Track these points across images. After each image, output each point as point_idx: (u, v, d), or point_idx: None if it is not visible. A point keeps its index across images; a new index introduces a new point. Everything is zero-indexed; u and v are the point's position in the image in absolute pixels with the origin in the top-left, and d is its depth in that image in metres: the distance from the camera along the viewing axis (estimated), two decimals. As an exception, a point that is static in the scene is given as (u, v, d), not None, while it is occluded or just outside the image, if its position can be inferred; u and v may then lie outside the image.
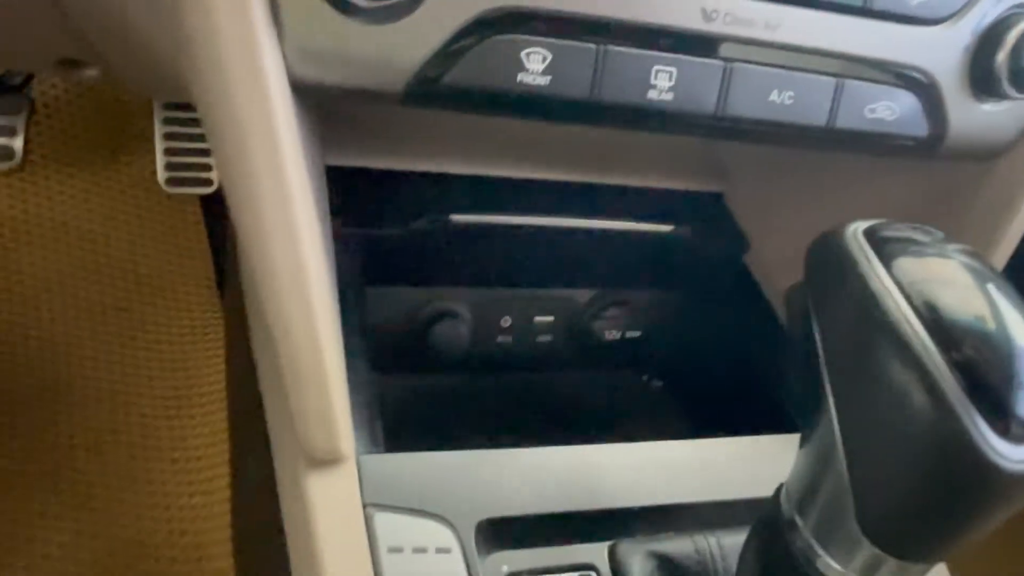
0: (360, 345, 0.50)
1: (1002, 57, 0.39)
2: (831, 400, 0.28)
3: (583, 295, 0.64)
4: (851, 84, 0.38)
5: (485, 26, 0.33)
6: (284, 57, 0.32)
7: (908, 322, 0.25)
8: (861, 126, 0.39)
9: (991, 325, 0.26)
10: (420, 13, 0.31)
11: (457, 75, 0.33)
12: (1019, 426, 0.24)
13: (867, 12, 0.37)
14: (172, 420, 1.10)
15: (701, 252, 0.63)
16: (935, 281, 0.27)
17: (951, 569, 0.45)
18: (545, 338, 0.65)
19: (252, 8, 0.30)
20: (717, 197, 0.66)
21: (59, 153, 1.05)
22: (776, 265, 0.61)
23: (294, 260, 0.33)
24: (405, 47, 0.32)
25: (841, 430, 0.28)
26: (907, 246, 0.28)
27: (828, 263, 0.29)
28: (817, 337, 0.29)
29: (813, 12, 0.36)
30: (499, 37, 0.33)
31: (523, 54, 0.33)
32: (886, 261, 0.27)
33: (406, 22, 0.32)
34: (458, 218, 0.54)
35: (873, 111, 0.39)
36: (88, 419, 1.08)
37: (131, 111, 1.14)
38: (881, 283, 0.26)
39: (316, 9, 0.31)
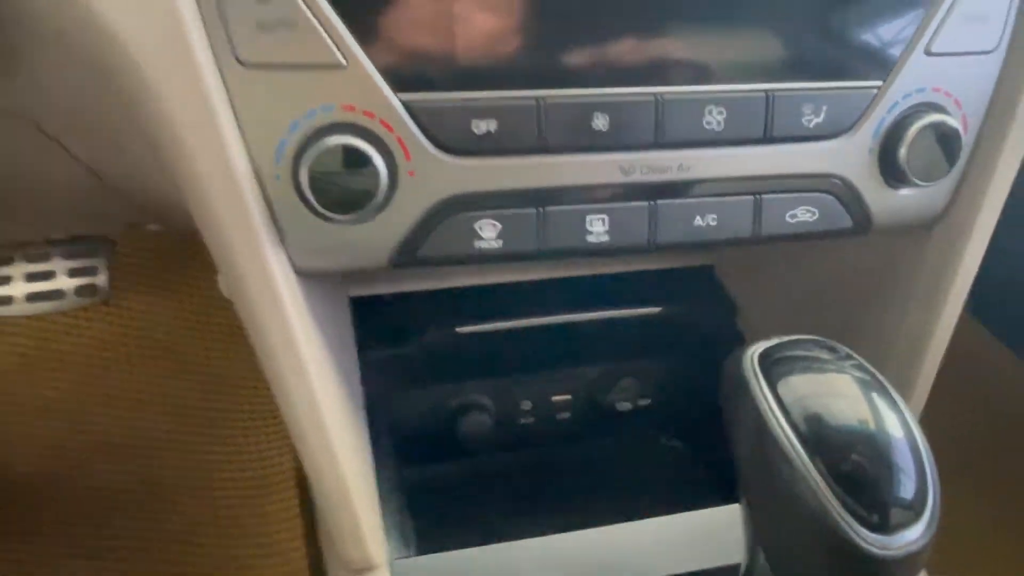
0: (391, 448, 0.58)
1: (904, 153, 0.44)
2: (744, 494, 0.34)
3: (595, 372, 0.71)
4: (768, 198, 0.44)
5: (443, 210, 0.40)
6: (287, 255, 0.41)
7: (789, 439, 0.31)
8: (785, 230, 0.45)
9: (863, 434, 0.31)
10: (389, 211, 0.39)
11: (427, 250, 0.41)
12: (887, 519, 0.29)
13: (770, 140, 0.43)
14: (254, 505, 1.21)
15: (696, 322, 0.68)
16: (816, 396, 0.32)
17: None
18: (564, 415, 0.71)
19: (256, 225, 0.39)
20: (708, 269, 0.72)
21: (140, 283, 1.20)
22: (765, 327, 0.66)
23: (314, 418, 0.42)
24: (381, 237, 0.41)
25: (753, 521, 0.33)
26: (798, 364, 0.34)
27: (732, 381, 0.34)
28: (732, 438, 0.35)
29: (721, 149, 0.42)
30: (456, 216, 0.41)
31: (476, 226, 0.41)
32: (774, 382, 0.32)
33: (379, 219, 0.40)
34: (463, 330, 0.62)
35: (794, 216, 0.45)
36: (180, 511, 1.20)
37: (196, 240, 1.28)
38: (768, 405, 0.32)
39: (307, 220, 0.39)
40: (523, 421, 0.70)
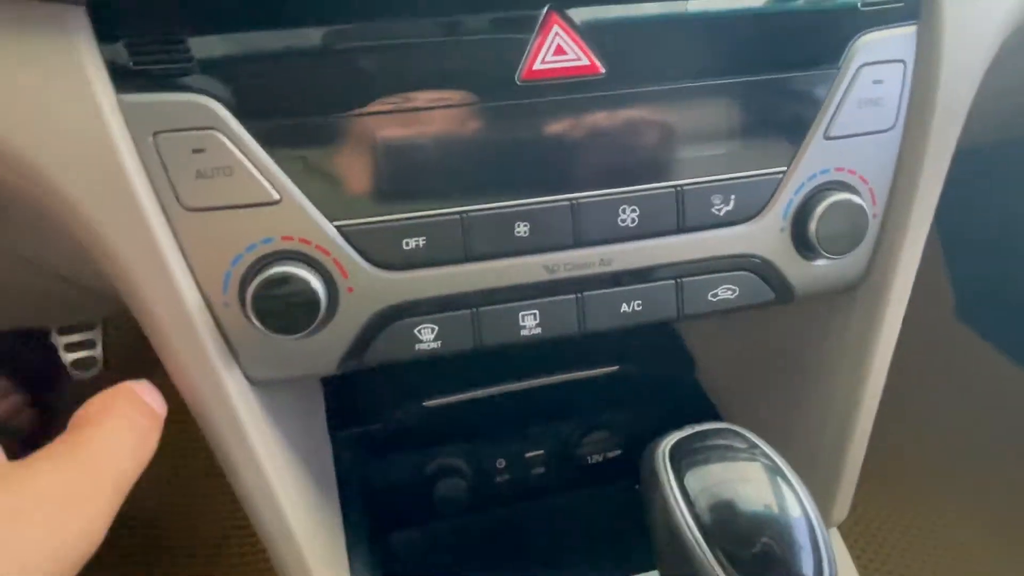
0: (365, 520, 0.60)
1: (814, 229, 0.47)
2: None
3: (565, 427, 0.73)
4: (689, 281, 0.47)
5: (383, 319, 0.44)
6: (241, 370, 0.44)
7: (692, 532, 0.33)
8: (708, 308, 0.48)
9: (762, 520, 0.34)
10: (333, 324, 0.43)
11: (372, 354, 0.45)
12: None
13: (684, 230, 0.46)
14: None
15: (659, 376, 0.71)
16: (720, 485, 0.35)
17: None
18: (539, 470, 0.74)
19: (209, 349, 0.42)
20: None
21: (131, 355, 1.24)
22: (721, 379, 0.68)
23: (279, 526, 0.45)
24: (328, 347, 0.44)
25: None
26: (704, 455, 0.36)
27: (647, 472, 0.37)
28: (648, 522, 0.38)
29: (638, 242, 0.45)
30: (395, 323, 0.44)
31: (416, 331, 0.44)
32: (682, 474, 0.35)
33: (325, 332, 0.43)
34: (431, 403, 0.65)
35: (716, 295, 0.48)
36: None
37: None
38: (675, 498, 0.35)
39: (258, 338, 0.42)
40: (498, 479, 0.73)
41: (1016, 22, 0.49)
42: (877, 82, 0.46)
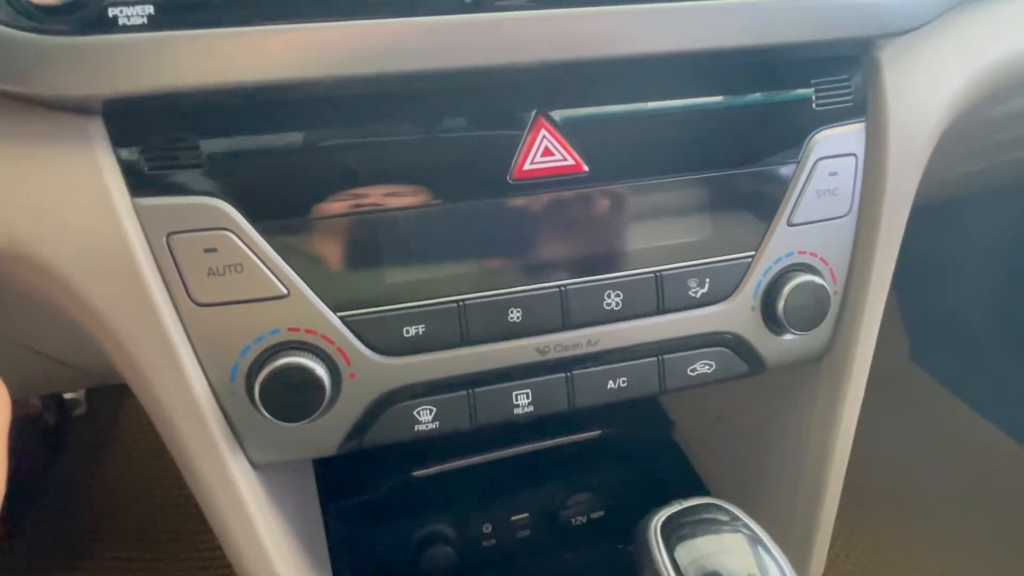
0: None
1: (781, 308, 0.51)
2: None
3: (549, 490, 0.75)
4: (670, 358, 0.50)
5: (383, 402, 0.46)
6: (245, 454, 0.45)
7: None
8: (688, 383, 0.51)
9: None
10: (336, 408, 0.45)
11: (372, 436, 0.47)
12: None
13: (663, 311, 0.49)
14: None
15: (639, 438, 0.74)
16: (708, 556, 0.38)
17: None
18: (524, 533, 0.75)
19: (215, 435, 0.44)
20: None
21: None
22: (700, 444, 0.72)
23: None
24: (330, 430, 0.46)
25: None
26: (693, 528, 0.39)
27: (640, 545, 0.40)
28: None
29: (622, 323, 0.49)
30: (395, 406, 0.46)
31: (415, 412, 0.47)
32: (673, 547, 0.38)
33: (328, 416, 0.45)
34: (420, 473, 0.66)
35: (694, 369, 0.51)
36: None
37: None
38: (666, 569, 0.37)
39: (263, 424, 0.44)
40: (485, 544, 0.74)
41: (952, 117, 0.55)
42: (832, 174, 0.51)
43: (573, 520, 0.75)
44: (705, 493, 0.67)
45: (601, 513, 0.75)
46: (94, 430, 1.35)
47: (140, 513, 1.24)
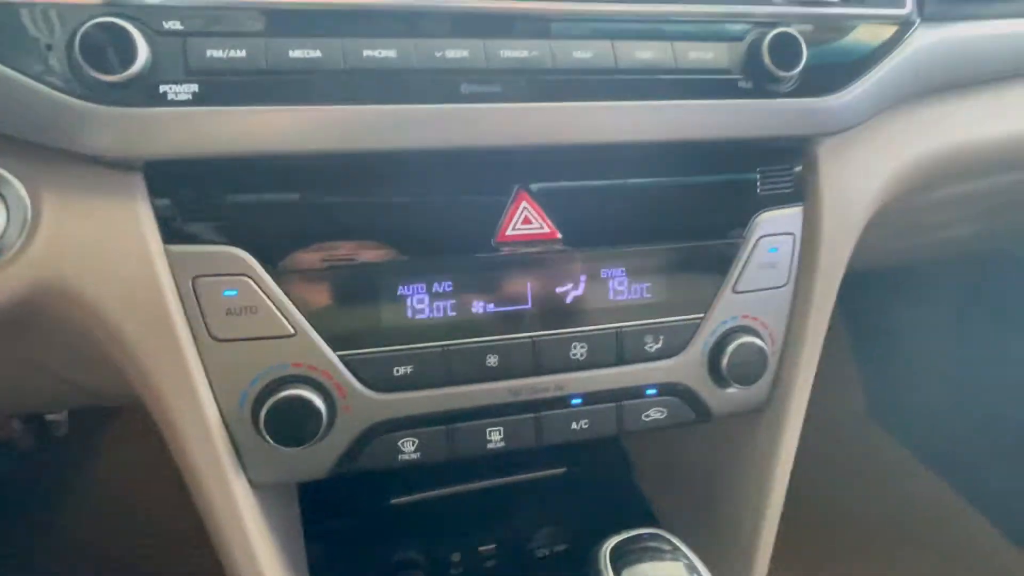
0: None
1: (725, 364, 0.58)
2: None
3: (516, 523, 0.81)
4: (627, 404, 0.57)
5: (372, 433, 0.52)
6: (246, 475, 0.51)
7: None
8: (642, 427, 0.58)
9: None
10: (330, 436, 0.51)
11: (360, 462, 0.52)
12: None
13: (622, 363, 0.56)
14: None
15: (600, 479, 0.80)
16: (650, 581, 0.44)
17: None
18: (491, 563, 0.80)
19: (222, 457, 0.49)
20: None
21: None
22: (655, 483, 0.78)
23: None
24: (324, 455, 0.52)
25: None
26: (638, 555, 0.45)
27: (592, 567, 0.46)
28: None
29: (586, 372, 0.55)
30: (382, 437, 0.52)
31: (399, 443, 0.52)
32: (619, 569, 0.44)
33: (322, 443, 0.50)
34: (397, 501, 0.72)
35: (648, 415, 0.58)
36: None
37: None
38: (614, 592, 0.43)
39: (265, 448, 0.50)
40: (454, 572, 0.79)
41: (880, 204, 0.63)
42: (773, 250, 0.58)
43: (538, 552, 0.80)
44: (657, 527, 0.73)
45: (565, 546, 0.81)
46: (75, 451, 1.37)
47: (120, 535, 1.26)
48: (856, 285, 1.65)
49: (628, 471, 0.80)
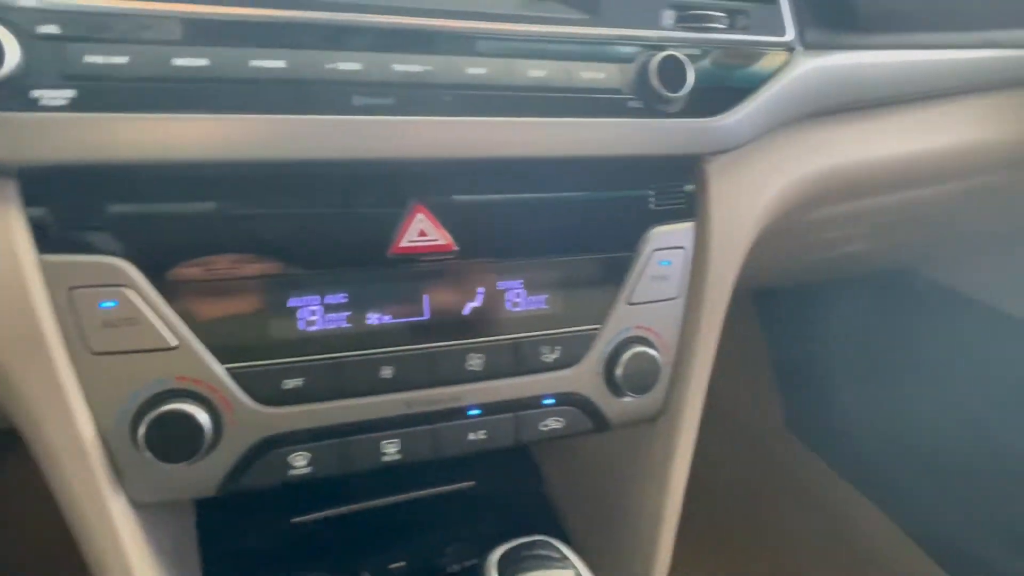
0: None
1: (620, 374, 0.59)
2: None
3: (426, 539, 0.80)
4: (524, 414, 0.58)
5: (261, 448, 0.51)
6: (126, 494, 0.49)
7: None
8: (540, 436, 0.59)
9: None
10: (216, 452, 0.50)
11: (249, 479, 0.51)
12: None
13: (519, 373, 0.57)
14: None
15: (509, 491, 0.81)
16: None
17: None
18: (402, 581, 0.79)
19: (98, 475, 0.47)
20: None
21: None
22: (562, 493, 0.79)
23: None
24: (210, 472, 0.50)
25: None
26: (527, 563, 0.46)
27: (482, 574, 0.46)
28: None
29: (483, 383, 0.56)
30: (272, 452, 0.51)
31: (290, 458, 0.52)
32: (506, 577, 0.44)
33: (208, 459, 0.49)
34: (299, 520, 0.70)
35: (546, 425, 0.59)
36: None
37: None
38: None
39: (146, 465, 0.48)
40: (363, 591, 0.77)
41: (768, 220, 0.67)
42: (665, 263, 0.61)
43: (448, 568, 0.79)
44: (564, 538, 0.74)
45: (474, 561, 0.80)
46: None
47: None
48: (776, 299, 1.72)
49: (538, 482, 0.81)
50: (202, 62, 0.44)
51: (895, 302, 1.53)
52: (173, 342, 0.47)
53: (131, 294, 0.46)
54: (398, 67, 0.48)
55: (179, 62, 0.44)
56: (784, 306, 1.71)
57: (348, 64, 0.47)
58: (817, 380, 1.75)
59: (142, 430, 0.46)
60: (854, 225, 0.92)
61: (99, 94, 0.42)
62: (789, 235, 0.84)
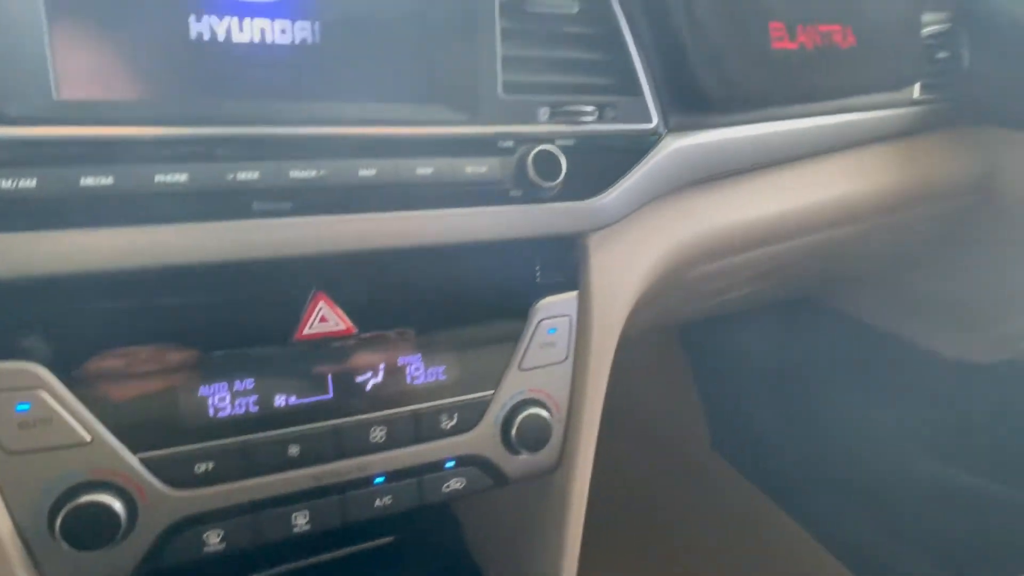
0: None
1: (515, 435, 0.65)
2: None
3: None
4: (428, 478, 0.63)
5: (175, 529, 0.54)
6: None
7: None
8: (443, 497, 0.64)
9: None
10: (131, 537, 0.53)
11: (164, 559, 0.55)
12: None
13: (420, 441, 0.62)
14: None
15: (430, 544, 0.85)
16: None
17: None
18: (327, 637, 0.83)
19: (15, 564, 0.50)
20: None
21: None
22: (481, 544, 0.84)
23: None
24: (126, 557, 0.54)
25: None
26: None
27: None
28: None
29: (387, 452, 0.61)
30: (186, 532, 0.55)
31: (204, 537, 0.55)
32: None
33: (123, 544, 0.52)
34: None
35: (449, 486, 0.64)
36: None
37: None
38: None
39: (63, 554, 0.51)
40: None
41: (646, 285, 0.75)
42: (552, 331, 0.67)
43: (371, 621, 0.83)
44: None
45: (397, 613, 0.85)
46: None
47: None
48: (698, 329, 1.82)
49: (459, 534, 0.86)
50: (108, 180, 0.48)
51: (802, 328, 1.66)
52: (87, 437, 0.50)
53: (44, 395, 0.49)
54: (295, 173, 0.54)
55: (87, 181, 0.48)
56: (706, 335, 1.81)
57: (247, 174, 0.52)
58: (738, 403, 1.85)
59: (58, 522, 0.49)
60: (738, 274, 1.01)
61: (11, 216, 0.46)
62: (678, 289, 0.93)
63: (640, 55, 0.68)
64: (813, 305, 1.58)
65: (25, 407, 0.49)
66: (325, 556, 0.80)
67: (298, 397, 0.57)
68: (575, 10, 0.64)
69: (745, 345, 1.77)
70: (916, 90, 1.07)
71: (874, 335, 1.51)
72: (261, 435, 0.56)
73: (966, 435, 1.40)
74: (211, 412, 0.54)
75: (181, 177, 0.50)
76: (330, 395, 0.58)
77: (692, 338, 1.87)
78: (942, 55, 1.13)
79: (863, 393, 1.55)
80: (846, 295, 1.53)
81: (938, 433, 1.43)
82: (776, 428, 1.75)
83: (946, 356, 1.41)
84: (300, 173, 0.54)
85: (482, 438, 0.65)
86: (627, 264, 0.72)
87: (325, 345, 0.58)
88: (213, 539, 0.55)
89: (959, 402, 1.39)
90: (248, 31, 0.54)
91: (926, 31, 1.10)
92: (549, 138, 0.64)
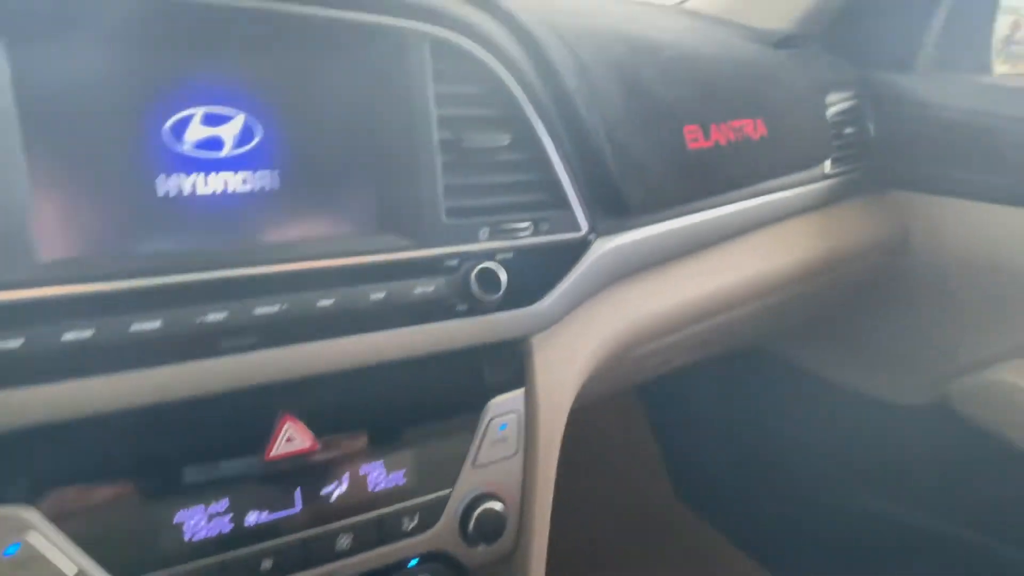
0: None
1: (472, 529, 0.71)
2: None
3: None
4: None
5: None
6: None
7: None
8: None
9: None
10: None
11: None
12: None
13: (385, 543, 0.67)
14: None
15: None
16: None
17: None
18: None
19: None
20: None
21: None
22: None
23: None
24: None
25: None
26: None
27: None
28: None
29: (353, 558, 0.66)
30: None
31: (183, 653, 0.59)
32: None
33: (108, 668, 0.56)
34: None
35: None
36: None
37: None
38: None
39: None
40: None
41: (586, 375, 0.82)
42: (503, 427, 0.74)
43: None
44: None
45: None
46: None
47: None
48: (656, 383, 1.89)
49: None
50: (88, 334, 0.54)
51: (752, 376, 1.75)
52: (73, 571, 0.55)
53: (33, 535, 0.53)
54: (259, 310, 0.60)
55: (68, 336, 0.53)
56: (660, 387, 1.89)
57: (215, 315, 0.58)
58: (696, 452, 1.93)
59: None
60: (679, 346, 1.09)
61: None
62: (624, 367, 1.00)
63: (568, 173, 0.76)
64: (760, 354, 1.68)
65: (14, 548, 0.53)
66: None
67: (269, 512, 0.62)
68: (506, 142, 0.72)
69: (699, 395, 1.86)
70: (827, 166, 1.19)
71: (817, 381, 1.60)
72: (234, 553, 0.60)
73: (906, 474, 1.50)
74: (188, 536, 0.59)
75: (155, 324, 0.56)
76: (297, 509, 0.63)
77: (648, 390, 1.95)
78: (849, 130, 1.25)
79: (808, 436, 1.63)
80: (789, 346, 1.63)
81: (878, 471, 1.53)
82: (733, 474, 1.83)
83: (883, 399, 1.51)
84: (264, 309, 0.60)
85: (442, 534, 0.70)
86: (569, 358, 0.79)
87: (292, 462, 0.63)
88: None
89: (895, 442, 1.49)
90: (212, 184, 0.61)
91: (833, 109, 1.22)
92: (490, 254, 0.71)
